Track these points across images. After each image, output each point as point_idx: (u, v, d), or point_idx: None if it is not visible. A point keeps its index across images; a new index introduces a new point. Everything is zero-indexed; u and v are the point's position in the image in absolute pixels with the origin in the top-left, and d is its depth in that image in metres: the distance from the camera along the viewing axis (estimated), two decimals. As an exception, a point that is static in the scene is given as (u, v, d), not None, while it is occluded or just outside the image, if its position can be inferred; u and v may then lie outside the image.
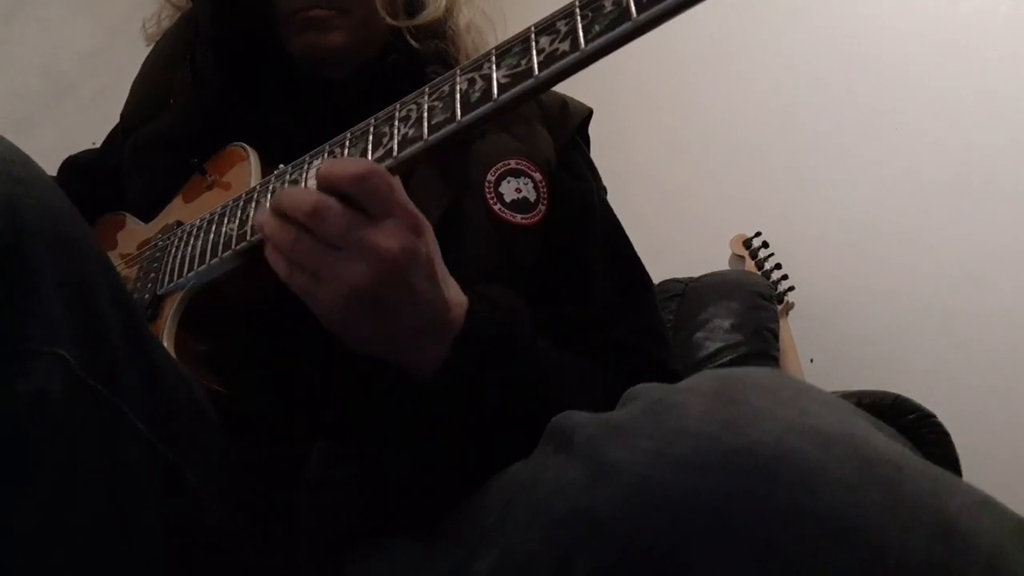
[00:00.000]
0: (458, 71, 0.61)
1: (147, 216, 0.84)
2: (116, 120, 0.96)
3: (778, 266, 2.04)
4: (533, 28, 0.57)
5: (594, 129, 0.89)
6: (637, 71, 2.19)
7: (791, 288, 2.01)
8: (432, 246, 0.59)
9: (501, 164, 0.76)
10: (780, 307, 1.90)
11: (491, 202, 0.75)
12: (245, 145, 0.77)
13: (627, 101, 2.17)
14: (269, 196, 0.67)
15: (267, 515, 0.60)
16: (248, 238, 0.65)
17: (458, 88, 0.59)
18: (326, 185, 0.56)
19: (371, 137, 0.63)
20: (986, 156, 1.85)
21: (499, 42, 0.60)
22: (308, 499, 0.63)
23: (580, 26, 0.53)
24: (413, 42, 0.80)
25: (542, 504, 0.42)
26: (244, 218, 0.67)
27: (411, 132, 0.61)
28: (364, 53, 0.80)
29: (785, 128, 2.10)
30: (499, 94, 0.56)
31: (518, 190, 0.76)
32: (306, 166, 0.67)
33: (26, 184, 0.47)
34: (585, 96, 0.87)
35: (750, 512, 0.35)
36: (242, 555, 0.58)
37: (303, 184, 0.65)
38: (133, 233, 0.85)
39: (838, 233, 1.99)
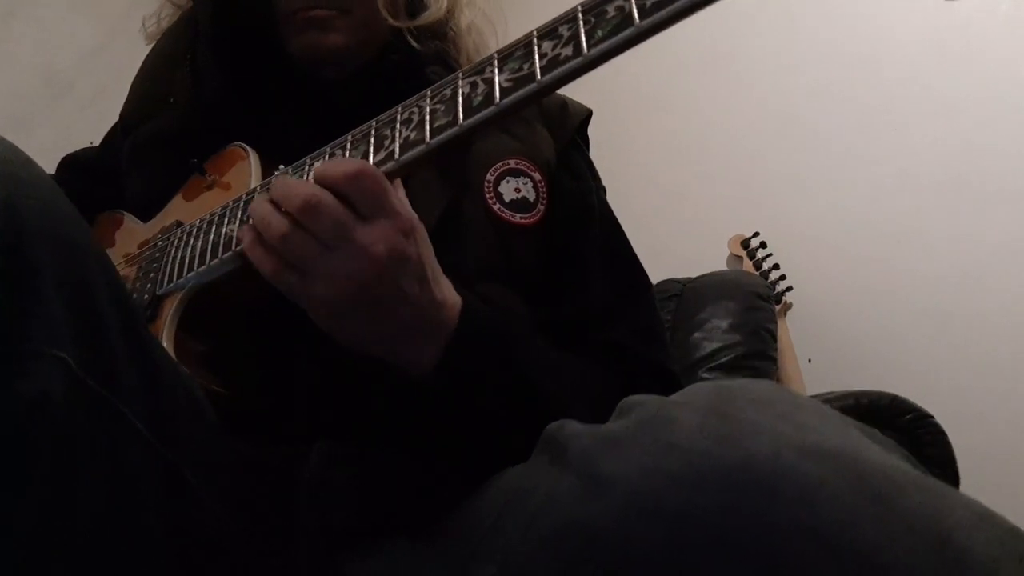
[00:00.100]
0: (460, 74, 0.61)
1: (145, 215, 0.84)
2: (114, 120, 0.95)
3: (776, 266, 2.04)
4: (535, 32, 0.57)
5: (593, 130, 0.90)
6: (636, 72, 2.19)
7: (789, 288, 2.01)
8: (423, 247, 0.60)
9: (500, 164, 0.77)
10: (778, 307, 1.90)
11: (490, 202, 0.75)
12: (245, 145, 0.77)
13: (625, 102, 2.17)
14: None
15: (267, 515, 0.60)
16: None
17: (460, 91, 0.59)
18: (321, 184, 0.57)
19: (372, 139, 0.63)
20: (984, 157, 1.85)
21: (500, 43, 0.60)
22: (307, 499, 0.63)
23: (583, 31, 0.53)
24: (414, 43, 0.80)
25: (538, 515, 0.43)
26: (244, 219, 0.67)
27: (413, 135, 0.61)
28: (364, 53, 0.80)
29: (783, 129, 2.10)
30: (501, 98, 0.56)
31: (517, 190, 0.76)
32: (307, 167, 0.67)
33: (27, 185, 0.47)
34: (584, 97, 0.87)
35: (748, 527, 0.35)
36: (242, 555, 0.58)
37: None
38: (131, 232, 0.85)
39: (836, 234, 1.99)
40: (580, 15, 0.54)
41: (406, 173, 0.62)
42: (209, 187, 0.77)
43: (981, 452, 1.40)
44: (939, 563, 0.34)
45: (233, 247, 0.66)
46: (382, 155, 0.62)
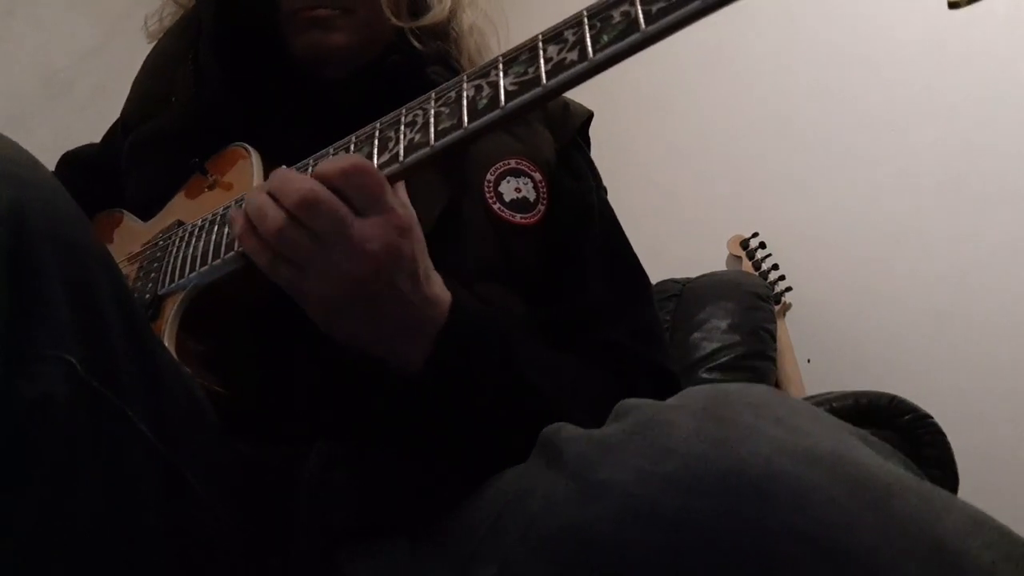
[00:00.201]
0: (465, 77, 0.61)
1: (145, 214, 0.84)
2: (113, 119, 0.95)
3: (775, 267, 2.04)
4: (540, 37, 0.57)
5: (593, 130, 0.90)
6: (636, 72, 2.19)
7: (788, 289, 2.01)
8: (418, 245, 0.60)
9: (501, 164, 0.77)
10: (777, 308, 1.90)
11: (491, 201, 0.75)
12: (247, 145, 0.77)
13: (625, 102, 2.17)
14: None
15: (266, 515, 0.61)
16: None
17: (465, 94, 0.59)
18: (318, 180, 0.57)
19: (376, 141, 0.63)
20: (984, 157, 1.85)
21: (501, 44, 0.60)
22: (307, 499, 0.63)
23: (588, 36, 0.53)
24: (416, 43, 0.80)
25: (534, 519, 0.43)
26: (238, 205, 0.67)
27: (417, 137, 0.61)
28: (367, 53, 0.80)
29: (783, 129, 2.10)
30: (506, 101, 0.56)
31: (518, 190, 0.76)
32: (309, 168, 0.67)
33: (32, 187, 0.47)
34: (584, 97, 0.87)
35: (743, 531, 0.35)
36: (242, 555, 0.58)
37: None
38: (131, 231, 0.84)
39: (835, 234, 1.99)
40: (586, 20, 0.54)
41: (410, 175, 0.62)
42: (210, 187, 0.77)
43: (980, 452, 1.41)
44: (934, 567, 0.34)
45: (235, 247, 0.66)
46: (386, 157, 0.62)
